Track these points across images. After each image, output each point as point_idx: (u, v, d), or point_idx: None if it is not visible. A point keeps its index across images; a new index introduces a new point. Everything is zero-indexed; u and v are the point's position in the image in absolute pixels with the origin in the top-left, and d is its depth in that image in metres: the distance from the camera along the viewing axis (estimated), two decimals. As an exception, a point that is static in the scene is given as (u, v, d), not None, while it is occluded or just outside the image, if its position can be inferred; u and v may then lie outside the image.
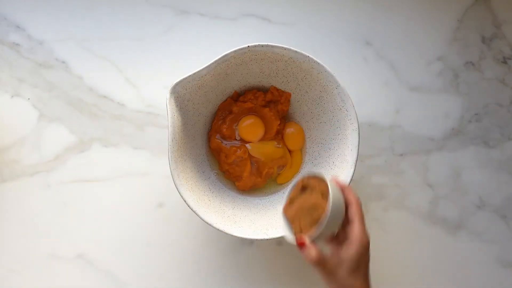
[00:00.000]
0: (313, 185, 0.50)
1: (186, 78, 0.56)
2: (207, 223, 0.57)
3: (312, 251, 0.47)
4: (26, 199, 0.69)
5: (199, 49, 0.72)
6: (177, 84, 0.56)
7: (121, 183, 0.69)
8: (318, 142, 0.65)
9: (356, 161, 0.58)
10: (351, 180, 0.58)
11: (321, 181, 0.49)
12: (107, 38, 0.72)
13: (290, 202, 0.52)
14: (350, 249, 0.47)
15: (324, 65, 0.58)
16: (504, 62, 0.73)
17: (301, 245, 0.47)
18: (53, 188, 0.69)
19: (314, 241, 0.48)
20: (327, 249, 0.49)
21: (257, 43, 0.58)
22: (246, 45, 0.57)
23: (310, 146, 0.66)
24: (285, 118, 0.67)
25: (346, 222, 0.49)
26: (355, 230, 0.47)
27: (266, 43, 0.58)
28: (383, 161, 0.71)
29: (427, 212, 0.70)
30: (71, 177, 0.69)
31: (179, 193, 0.57)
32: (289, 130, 0.66)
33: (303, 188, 0.51)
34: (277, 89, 0.65)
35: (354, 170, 0.58)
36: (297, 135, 0.66)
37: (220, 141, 0.66)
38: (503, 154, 0.72)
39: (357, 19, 0.73)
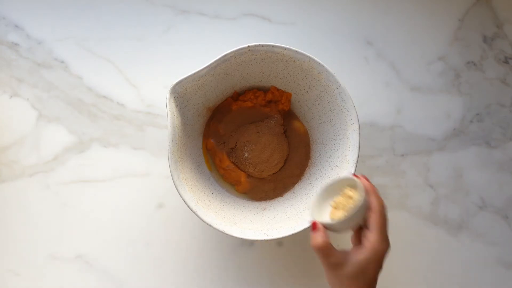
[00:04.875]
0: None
1: (186, 78, 0.56)
2: (207, 223, 0.57)
3: (318, 236, 0.48)
4: (25, 199, 0.68)
5: (199, 49, 0.72)
6: (177, 84, 0.56)
7: (121, 183, 0.69)
8: (318, 142, 0.65)
9: (357, 161, 0.58)
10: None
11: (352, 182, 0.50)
12: (106, 37, 0.71)
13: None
14: (360, 253, 0.47)
15: (325, 65, 0.58)
16: (506, 62, 0.73)
17: (313, 226, 0.48)
18: (52, 188, 0.69)
19: (326, 229, 0.49)
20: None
21: (257, 43, 0.57)
22: (246, 45, 0.57)
23: (311, 146, 0.66)
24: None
25: (365, 228, 0.49)
26: (370, 237, 0.47)
27: (267, 43, 0.58)
28: (384, 162, 0.71)
29: (429, 212, 0.70)
30: (71, 178, 0.69)
31: (179, 193, 0.56)
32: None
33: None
34: (278, 89, 0.65)
35: (355, 170, 0.58)
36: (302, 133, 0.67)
37: (215, 143, 0.66)
38: (505, 155, 0.71)
39: (358, 19, 0.73)
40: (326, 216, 0.51)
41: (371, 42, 0.73)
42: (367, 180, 0.50)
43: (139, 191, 0.69)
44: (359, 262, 0.46)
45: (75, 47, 0.71)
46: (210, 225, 0.57)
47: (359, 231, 0.50)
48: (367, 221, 0.48)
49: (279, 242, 0.69)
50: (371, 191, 0.49)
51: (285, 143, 0.65)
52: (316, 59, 0.58)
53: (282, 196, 0.66)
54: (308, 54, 0.58)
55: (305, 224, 0.57)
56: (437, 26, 0.73)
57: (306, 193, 0.63)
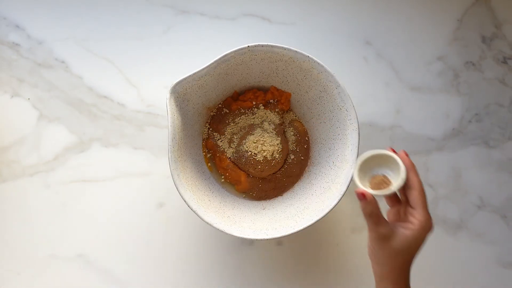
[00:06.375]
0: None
1: (186, 78, 0.56)
2: (207, 223, 0.57)
3: (369, 204, 0.48)
4: (26, 199, 0.69)
5: (199, 49, 0.72)
6: (177, 84, 0.56)
7: (121, 183, 0.69)
8: (318, 142, 0.65)
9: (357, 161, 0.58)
10: (351, 180, 0.58)
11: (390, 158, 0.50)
12: (107, 38, 0.72)
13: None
14: (408, 229, 0.47)
15: (324, 65, 0.58)
16: (504, 62, 0.73)
17: (362, 195, 0.48)
18: (52, 188, 0.69)
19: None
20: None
21: (257, 43, 0.57)
22: (246, 45, 0.57)
23: (310, 146, 0.66)
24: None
25: (408, 205, 0.49)
26: (417, 215, 0.47)
27: (266, 43, 0.58)
28: (383, 161, 0.71)
29: (428, 212, 0.70)
30: (71, 177, 0.69)
31: (179, 193, 0.57)
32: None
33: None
34: (277, 89, 0.65)
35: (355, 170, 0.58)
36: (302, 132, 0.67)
37: (215, 143, 0.66)
38: (503, 155, 0.72)
39: (357, 19, 0.73)
40: (367, 186, 0.51)
41: (370, 42, 0.73)
42: (407, 155, 0.50)
43: (139, 191, 0.69)
44: (407, 238, 0.47)
45: (75, 47, 0.71)
46: (210, 225, 0.57)
47: (398, 206, 0.51)
48: (408, 198, 0.48)
49: (278, 242, 0.69)
50: (410, 168, 0.49)
51: (284, 143, 0.66)
52: (315, 59, 0.58)
53: (281, 195, 0.66)
54: (308, 54, 0.58)
55: (305, 223, 0.57)
56: (436, 26, 0.73)
57: (306, 193, 0.63)
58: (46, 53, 0.71)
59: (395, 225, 0.48)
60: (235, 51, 0.57)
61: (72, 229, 0.68)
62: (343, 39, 0.73)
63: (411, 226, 0.47)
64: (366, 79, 0.72)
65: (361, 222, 0.69)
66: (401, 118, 0.72)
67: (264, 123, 0.66)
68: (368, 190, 0.49)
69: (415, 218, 0.47)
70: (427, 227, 0.47)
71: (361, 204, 0.48)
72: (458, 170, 0.71)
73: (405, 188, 0.49)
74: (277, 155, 0.64)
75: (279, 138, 0.65)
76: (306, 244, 0.69)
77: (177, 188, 0.57)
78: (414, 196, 0.48)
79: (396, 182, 0.49)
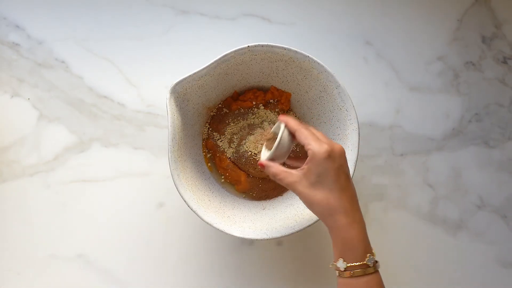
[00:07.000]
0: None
1: (186, 78, 0.56)
2: (207, 223, 0.57)
3: (270, 167, 0.51)
4: (26, 199, 0.69)
5: (199, 49, 0.72)
6: (177, 84, 0.56)
7: (121, 183, 0.69)
8: (318, 142, 0.65)
9: (356, 161, 0.58)
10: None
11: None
12: (107, 38, 0.72)
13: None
14: (309, 161, 0.48)
15: (324, 65, 0.58)
16: (504, 62, 0.73)
17: (260, 165, 0.52)
18: (52, 188, 0.69)
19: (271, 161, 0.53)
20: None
21: (257, 43, 0.58)
22: (246, 45, 0.57)
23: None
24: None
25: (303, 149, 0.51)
26: (310, 146, 0.48)
27: (266, 43, 0.58)
28: (383, 161, 0.71)
29: (427, 212, 0.70)
30: (71, 177, 0.69)
31: (179, 193, 0.57)
32: None
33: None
34: (277, 89, 0.65)
35: (354, 170, 0.58)
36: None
37: (215, 143, 0.66)
38: (503, 154, 0.72)
39: (357, 19, 0.73)
40: (266, 154, 0.55)
41: (370, 42, 0.73)
42: (283, 115, 0.53)
43: (139, 191, 0.69)
44: (312, 169, 0.48)
45: (75, 47, 0.71)
46: (210, 225, 0.57)
47: (303, 159, 0.53)
48: (300, 141, 0.50)
49: (278, 242, 0.69)
50: (286, 120, 0.52)
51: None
52: (315, 59, 0.58)
53: (281, 195, 0.66)
54: (308, 54, 0.58)
55: (305, 223, 0.57)
56: (436, 26, 0.74)
57: (306, 193, 0.63)
58: (46, 53, 0.71)
59: (301, 168, 0.49)
60: (235, 51, 0.57)
61: (72, 229, 0.68)
62: (343, 39, 0.73)
63: (308, 158, 0.48)
64: (366, 79, 0.72)
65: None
66: (401, 118, 0.72)
67: (264, 123, 0.66)
68: (263, 157, 0.53)
69: (310, 150, 0.48)
70: (324, 150, 0.47)
71: (266, 172, 0.51)
72: (458, 170, 0.71)
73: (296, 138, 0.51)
74: None
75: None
76: (306, 244, 0.69)
77: (177, 188, 0.57)
78: (299, 136, 0.50)
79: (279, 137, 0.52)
